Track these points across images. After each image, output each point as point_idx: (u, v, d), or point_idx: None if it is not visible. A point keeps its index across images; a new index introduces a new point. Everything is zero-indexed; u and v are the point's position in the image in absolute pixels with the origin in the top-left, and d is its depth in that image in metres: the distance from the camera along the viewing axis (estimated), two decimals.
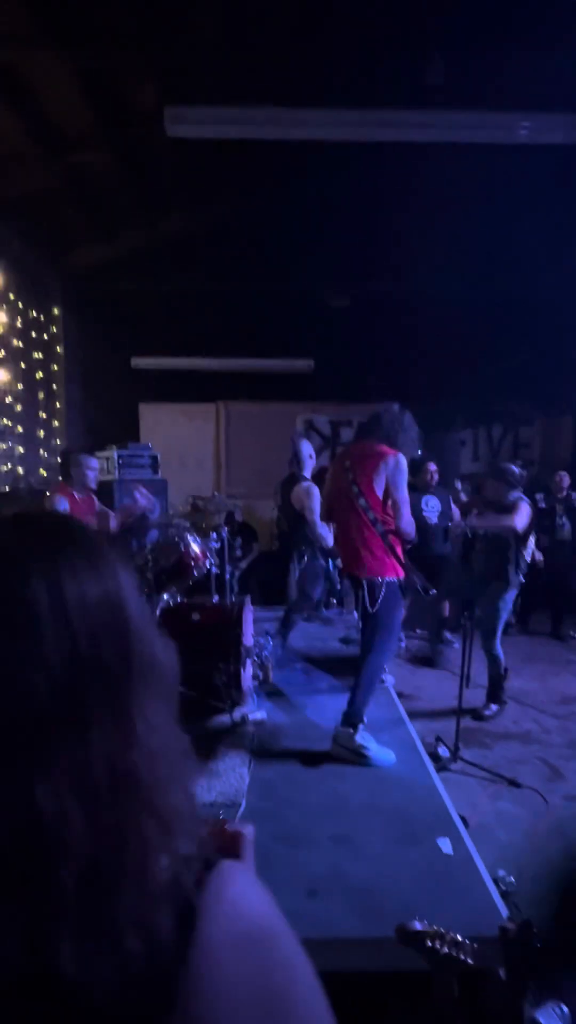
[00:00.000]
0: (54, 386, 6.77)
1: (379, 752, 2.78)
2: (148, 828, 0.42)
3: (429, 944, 0.93)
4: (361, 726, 2.81)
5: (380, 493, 2.86)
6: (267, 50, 3.91)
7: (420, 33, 3.77)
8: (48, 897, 0.38)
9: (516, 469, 4.24)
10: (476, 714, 4.13)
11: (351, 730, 2.79)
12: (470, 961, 0.94)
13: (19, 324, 5.89)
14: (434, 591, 2.91)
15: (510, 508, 3.97)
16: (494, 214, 5.77)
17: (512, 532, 3.88)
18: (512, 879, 2.48)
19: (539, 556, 5.64)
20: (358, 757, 2.76)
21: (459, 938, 0.95)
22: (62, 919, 0.38)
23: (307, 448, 4.22)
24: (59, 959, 0.37)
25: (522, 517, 3.92)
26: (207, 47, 3.89)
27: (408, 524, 2.90)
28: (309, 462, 4.17)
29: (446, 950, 0.93)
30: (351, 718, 2.81)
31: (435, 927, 0.95)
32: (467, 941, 0.95)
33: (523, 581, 4.09)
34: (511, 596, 4.09)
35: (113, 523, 3.95)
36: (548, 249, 6.40)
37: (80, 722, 0.42)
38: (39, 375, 6.39)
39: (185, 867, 0.43)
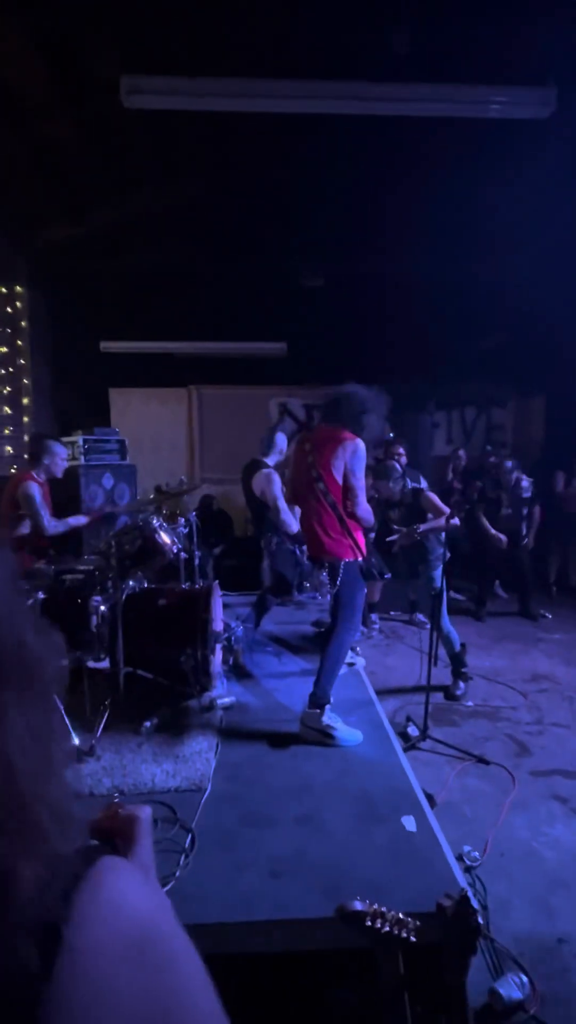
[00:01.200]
0: (21, 360, 6.59)
1: (346, 732, 2.79)
2: (3, 847, 0.37)
3: (369, 923, 0.92)
4: (328, 707, 2.82)
5: (339, 477, 2.89)
6: (229, 19, 3.78)
7: (387, 2, 3.68)
8: None
9: (397, 465, 4.41)
10: (448, 693, 4.18)
11: (318, 711, 2.80)
12: (413, 939, 0.93)
13: None
14: (389, 575, 2.93)
15: (424, 504, 4.13)
16: (468, 194, 5.73)
17: (447, 518, 3.92)
18: (477, 854, 2.52)
19: (503, 538, 5.73)
20: (325, 737, 2.77)
21: (401, 916, 0.94)
22: None
23: (282, 441, 4.18)
24: None
25: (438, 503, 4.08)
26: (169, 15, 3.74)
27: (364, 511, 2.94)
28: (276, 455, 4.13)
29: (387, 928, 0.92)
30: (317, 699, 2.82)
31: (376, 906, 0.94)
32: (410, 919, 0.94)
33: (447, 553, 4.13)
34: (438, 573, 4.15)
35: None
36: (522, 230, 6.38)
37: None
38: (3, 349, 6.21)
39: (53, 875, 0.39)
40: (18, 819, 0.38)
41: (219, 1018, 0.42)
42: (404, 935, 0.92)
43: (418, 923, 0.94)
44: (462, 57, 4.05)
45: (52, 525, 3.78)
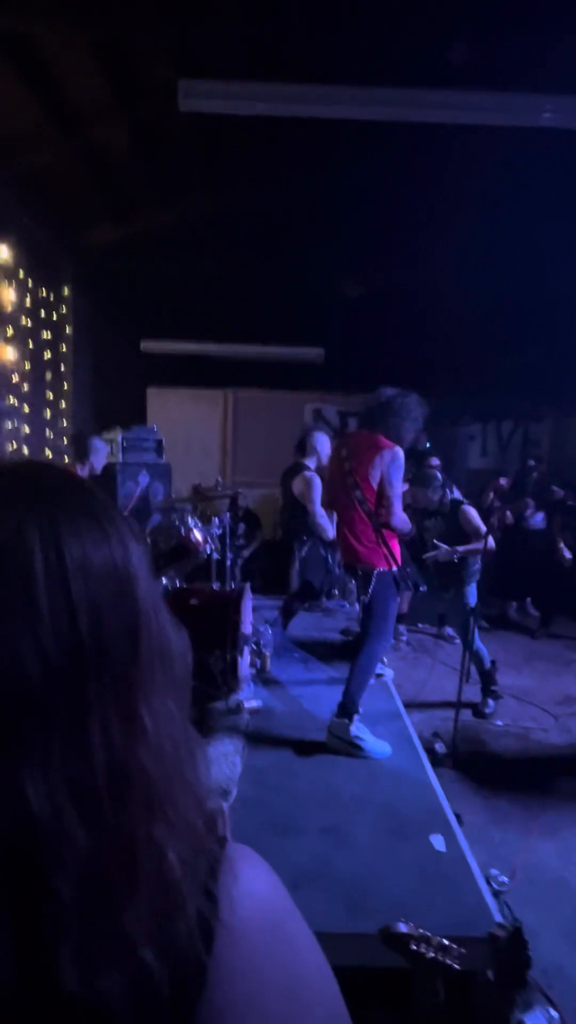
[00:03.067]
0: (62, 366, 6.72)
1: (374, 744, 2.75)
2: (157, 830, 0.38)
3: (414, 947, 0.88)
4: (356, 717, 2.77)
5: (375, 486, 2.83)
6: (285, 24, 3.80)
7: (444, 10, 3.66)
8: (43, 907, 0.34)
9: (438, 474, 4.38)
10: (476, 711, 4.09)
11: (346, 720, 2.75)
12: (456, 966, 0.89)
13: (28, 303, 5.83)
14: (424, 587, 2.88)
15: (461, 519, 4.09)
16: (514, 205, 5.64)
17: (485, 540, 3.89)
18: (505, 879, 2.44)
19: (567, 555, 5.58)
20: (353, 748, 2.72)
21: (445, 942, 0.90)
22: (61, 931, 0.34)
23: (323, 442, 4.15)
24: (60, 974, 0.34)
25: (476, 521, 4.05)
26: (225, 20, 3.78)
27: (400, 520, 2.87)
28: (315, 458, 4.09)
29: (432, 954, 0.88)
30: (346, 708, 2.78)
31: (420, 930, 0.91)
32: (453, 945, 0.91)
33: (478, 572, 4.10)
34: (472, 588, 4.10)
35: None
36: (567, 242, 6.26)
37: (78, 711, 0.36)
38: (47, 355, 6.33)
39: (199, 860, 0.40)
40: (170, 803, 0.39)
41: (337, 994, 0.45)
42: (448, 962, 0.88)
43: (463, 950, 0.90)
44: (516, 65, 4.00)
45: None
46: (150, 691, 0.40)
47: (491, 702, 4.15)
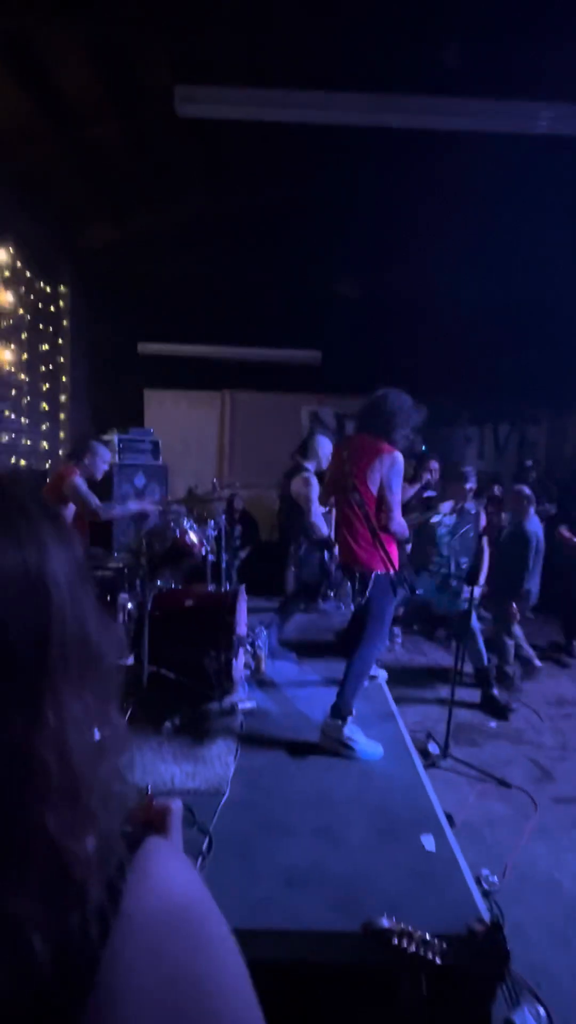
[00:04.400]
0: (61, 359, 6.73)
1: (367, 745, 2.76)
2: (52, 821, 0.39)
3: (396, 942, 0.90)
4: (350, 718, 2.79)
5: (374, 489, 2.85)
6: (282, 31, 3.83)
7: (438, 17, 3.69)
8: None
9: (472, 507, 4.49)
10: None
11: (339, 722, 2.77)
12: (438, 960, 0.91)
13: (26, 303, 5.84)
14: (421, 590, 2.89)
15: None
16: (511, 210, 5.68)
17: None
18: (495, 879, 2.46)
19: None
20: (345, 749, 2.74)
21: (427, 937, 0.92)
22: None
23: (325, 446, 4.17)
24: None
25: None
26: (221, 26, 3.81)
27: (399, 525, 2.88)
28: (316, 460, 4.11)
29: (413, 948, 0.90)
30: (339, 710, 2.79)
31: (403, 925, 0.93)
32: (436, 940, 0.93)
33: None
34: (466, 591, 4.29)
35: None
36: (563, 247, 6.30)
37: None
38: (45, 355, 6.35)
39: (107, 851, 0.41)
40: (70, 797, 0.40)
41: (252, 999, 0.44)
42: (430, 956, 0.90)
43: (444, 945, 0.92)
44: (512, 72, 4.03)
45: (103, 508, 3.82)
46: (59, 689, 0.41)
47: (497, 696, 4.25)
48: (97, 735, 0.44)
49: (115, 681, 0.47)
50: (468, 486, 4.30)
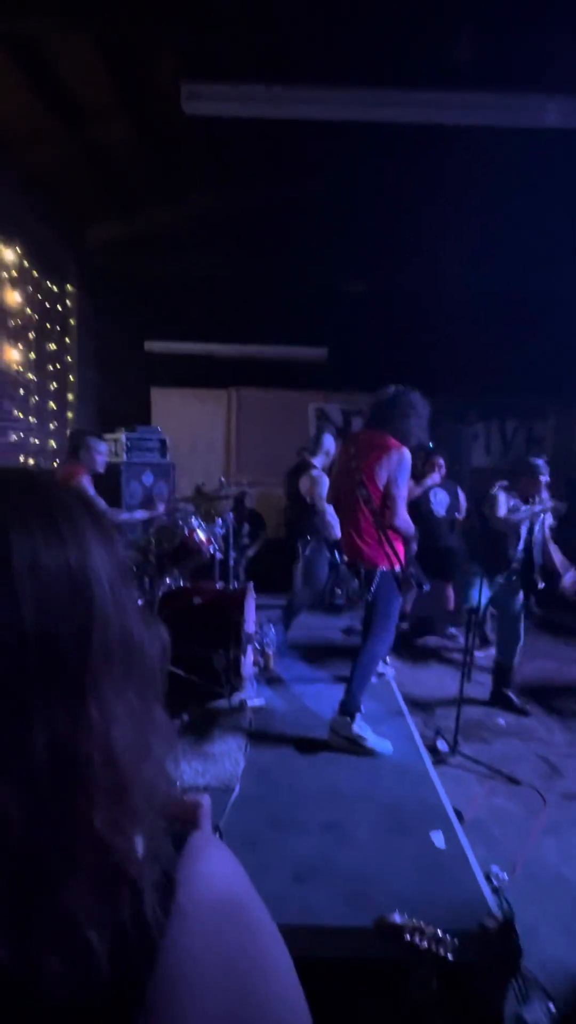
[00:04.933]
0: (68, 358, 6.75)
1: (376, 741, 2.77)
2: (100, 817, 0.39)
3: (408, 938, 0.91)
4: (358, 715, 2.80)
5: (381, 485, 2.84)
6: (288, 27, 3.82)
7: (445, 11, 3.67)
8: None
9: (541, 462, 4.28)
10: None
11: (348, 719, 2.78)
12: (450, 957, 0.92)
13: (30, 292, 5.84)
14: (428, 586, 2.88)
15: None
16: (517, 204, 5.65)
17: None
18: (505, 875, 2.46)
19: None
20: (354, 746, 2.75)
21: (440, 933, 0.93)
22: None
23: (330, 442, 4.18)
24: None
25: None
26: (227, 22, 3.81)
27: (404, 522, 2.88)
28: (323, 456, 4.12)
29: (425, 945, 0.91)
30: (348, 706, 2.80)
31: (415, 921, 0.93)
32: (448, 936, 0.93)
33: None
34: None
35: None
36: (570, 241, 6.26)
37: (20, 701, 0.38)
38: (52, 355, 6.37)
39: (155, 847, 0.42)
40: (116, 794, 0.41)
41: (298, 985, 0.45)
42: (442, 953, 0.91)
43: (456, 941, 0.92)
44: (521, 66, 4.00)
45: (109, 513, 3.84)
46: (103, 688, 0.41)
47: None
48: (141, 734, 0.44)
49: (158, 680, 0.48)
50: (543, 479, 4.16)
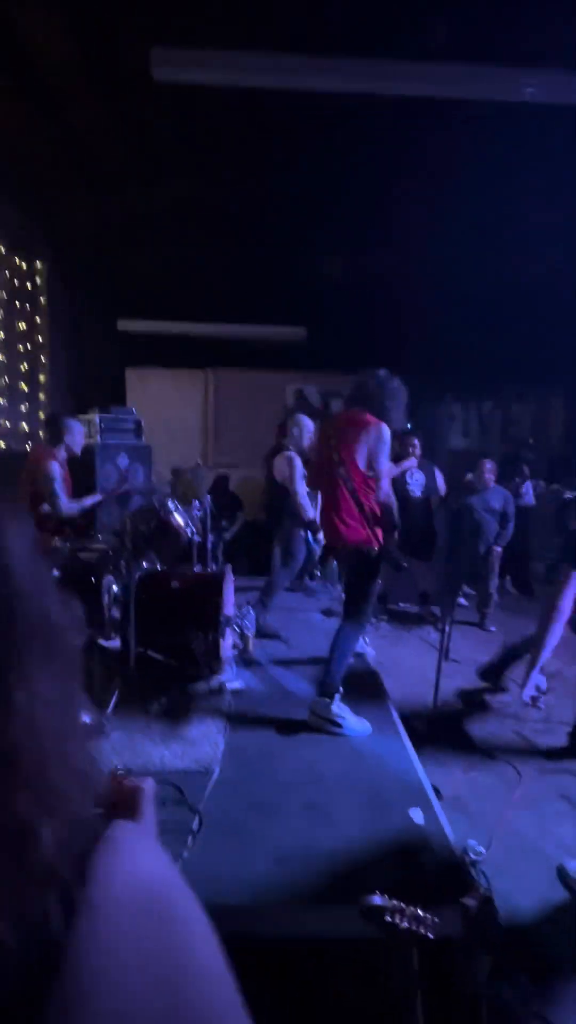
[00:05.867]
0: (39, 337, 6.57)
1: (355, 723, 2.78)
2: (23, 804, 0.38)
3: (388, 919, 0.90)
4: (337, 696, 2.80)
5: (362, 464, 2.81)
6: None
7: None
8: None
9: None
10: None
11: (327, 700, 2.79)
12: (430, 935, 0.91)
13: (2, 282, 5.67)
14: (406, 564, 2.89)
15: None
16: (497, 185, 5.60)
17: None
18: (482, 849, 2.51)
19: None
20: (333, 726, 2.76)
21: (419, 912, 0.93)
22: None
23: (306, 424, 4.13)
24: None
25: None
26: None
27: (387, 496, 2.88)
28: (299, 439, 4.07)
29: (405, 924, 0.90)
30: (327, 688, 2.81)
31: (395, 901, 0.93)
32: (428, 915, 0.93)
33: None
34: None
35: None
36: (549, 224, 6.24)
37: None
38: (21, 325, 6.18)
39: (73, 836, 0.40)
40: (40, 778, 0.40)
41: (227, 979, 0.43)
42: (422, 931, 0.90)
43: (436, 920, 0.92)
44: (500, 38, 3.93)
45: (68, 507, 3.77)
46: (27, 668, 0.40)
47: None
48: (66, 716, 0.43)
49: (78, 660, 0.47)
50: None
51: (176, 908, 0.42)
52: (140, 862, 0.43)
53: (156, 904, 0.41)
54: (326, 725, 2.77)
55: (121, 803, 0.61)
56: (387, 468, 2.87)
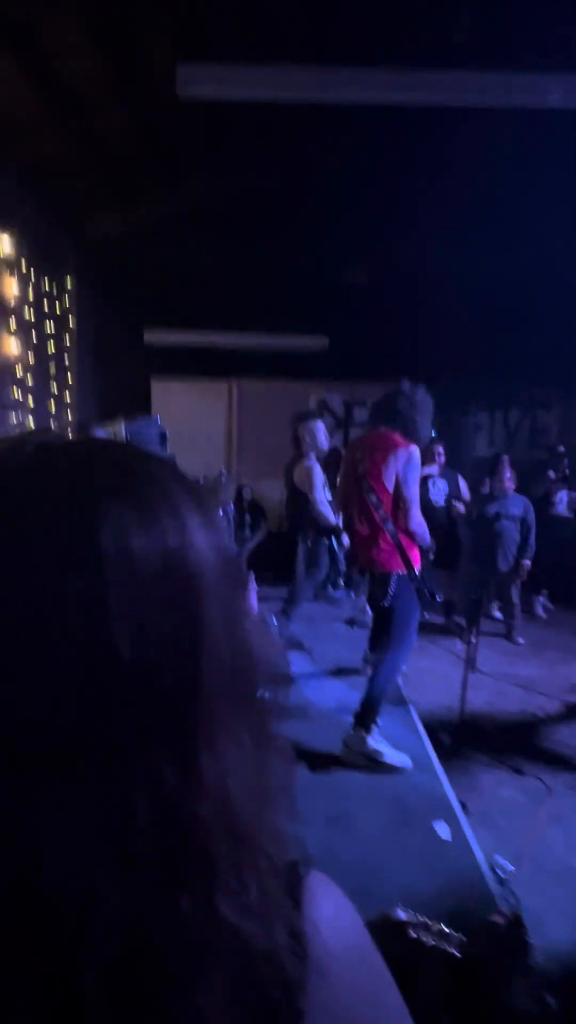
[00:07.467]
0: (66, 359, 6.71)
1: (393, 756, 2.63)
2: (225, 901, 0.31)
3: (413, 935, 0.88)
4: (375, 729, 2.65)
5: (390, 487, 2.64)
6: (285, 6, 3.74)
7: None
8: (67, 994, 0.28)
9: None
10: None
11: (364, 732, 2.62)
12: (456, 953, 0.88)
13: (31, 294, 5.81)
14: (440, 597, 2.76)
15: None
16: (521, 189, 5.56)
17: None
18: (510, 867, 2.44)
19: None
20: (371, 763, 2.60)
21: (445, 929, 0.90)
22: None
23: (320, 430, 4.09)
24: None
25: None
26: (224, 3, 3.73)
27: (418, 525, 2.66)
28: (314, 446, 4.04)
29: (432, 942, 0.88)
30: (364, 719, 2.63)
31: (420, 917, 0.90)
32: (454, 932, 0.90)
33: None
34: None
35: None
36: (573, 226, 6.16)
37: (113, 751, 0.29)
38: (51, 348, 6.32)
39: (277, 905, 0.35)
40: (238, 868, 0.33)
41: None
42: (449, 949, 0.88)
43: (463, 938, 0.89)
44: (523, 44, 3.91)
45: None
46: (215, 726, 0.32)
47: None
48: (261, 781, 0.35)
49: (274, 709, 0.38)
50: None
51: (377, 956, 0.40)
52: (343, 914, 0.39)
53: (366, 958, 0.39)
54: (363, 760, 2.60)
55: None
56: (416, 494, 2.67)
